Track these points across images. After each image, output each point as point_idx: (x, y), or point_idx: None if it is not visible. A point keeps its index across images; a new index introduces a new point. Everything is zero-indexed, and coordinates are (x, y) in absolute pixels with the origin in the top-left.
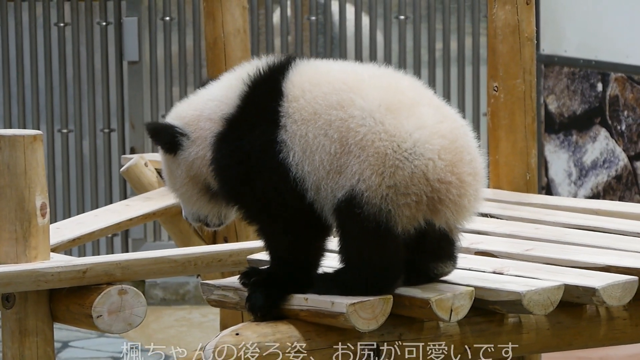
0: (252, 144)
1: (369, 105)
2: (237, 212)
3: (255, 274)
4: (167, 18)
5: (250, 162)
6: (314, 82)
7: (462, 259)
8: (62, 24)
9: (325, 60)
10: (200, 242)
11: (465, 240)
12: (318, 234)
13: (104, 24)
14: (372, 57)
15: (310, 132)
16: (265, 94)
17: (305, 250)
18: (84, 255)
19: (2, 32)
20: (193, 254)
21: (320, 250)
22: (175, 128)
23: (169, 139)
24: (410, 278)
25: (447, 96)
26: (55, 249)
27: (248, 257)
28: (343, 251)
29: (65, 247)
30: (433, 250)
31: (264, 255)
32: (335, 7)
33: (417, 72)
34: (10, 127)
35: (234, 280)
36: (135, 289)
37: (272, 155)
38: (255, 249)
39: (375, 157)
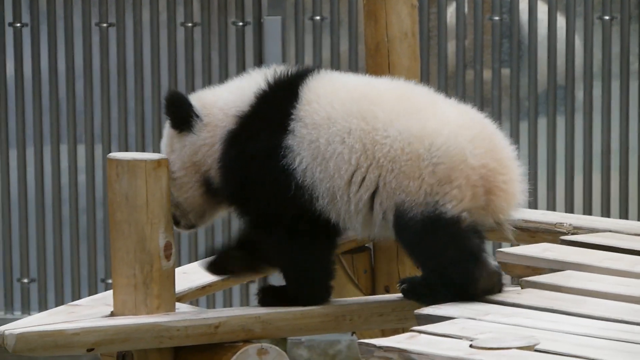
0: (257, 147)
1: (389, 116)
2: (240, 217)
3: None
4: (317, 17)
5: (254, 166)
6: (330, 88)
7: None
8: (190, 24)
9: (345, 73)
10: (357, 292)
11: None
12: (324, 242)
13: (241, 24)
14: (569, 66)
15: (323, 138)
16: (280, 96)
17: (313, 259)
18: (214, 307)
19: (118, 33)
20: (348, 307)
21: (329, 257)
22: (192, 107)
23: (182, 114)
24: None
25: None
26: (181, 298)
27: (416, 311)
28: (416, 261)
29: (193, 297)
30: None
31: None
32: (523, 5)
33: (625, 83)
34: (127, 150)
35: (399, 339)
36: (277, 348)
37: (275, 161)
38: None
39: (409, 164)
